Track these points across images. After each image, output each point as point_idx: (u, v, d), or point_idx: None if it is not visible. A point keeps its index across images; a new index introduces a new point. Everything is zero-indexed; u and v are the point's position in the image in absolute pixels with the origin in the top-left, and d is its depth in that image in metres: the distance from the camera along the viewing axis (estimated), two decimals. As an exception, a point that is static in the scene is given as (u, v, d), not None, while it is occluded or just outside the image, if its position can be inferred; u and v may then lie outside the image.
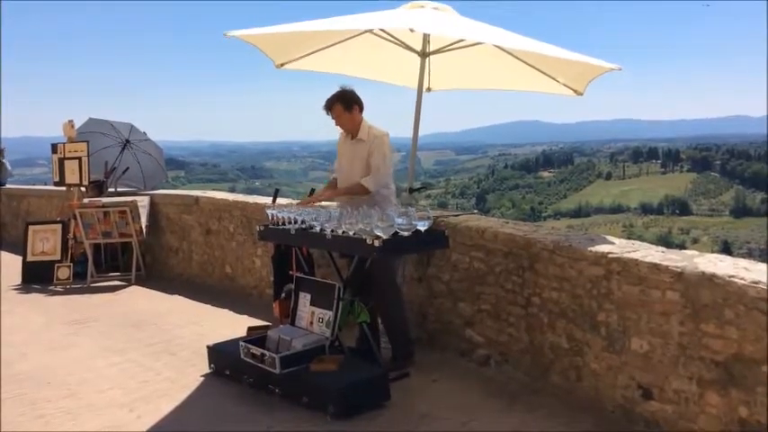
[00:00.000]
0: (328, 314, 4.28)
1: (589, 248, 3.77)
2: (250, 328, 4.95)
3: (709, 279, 3.16)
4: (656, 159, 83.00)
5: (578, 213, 70.85)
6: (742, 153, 78.12)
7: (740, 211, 67.94)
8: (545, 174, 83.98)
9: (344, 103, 4.58)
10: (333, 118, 4.65)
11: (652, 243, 3.86)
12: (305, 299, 4.52)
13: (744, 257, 3.43)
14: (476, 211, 6.87)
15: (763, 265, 3.18)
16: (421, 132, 5.60)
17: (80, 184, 8.32)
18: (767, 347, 2.95)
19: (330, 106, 4.60)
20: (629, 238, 4.12)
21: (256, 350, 4.20)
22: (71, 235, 7.98)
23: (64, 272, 7.69)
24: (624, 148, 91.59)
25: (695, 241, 57.77)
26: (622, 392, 3.59)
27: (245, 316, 5.86)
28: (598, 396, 3.73)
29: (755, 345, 2.99)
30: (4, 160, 11.61)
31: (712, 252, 3.59)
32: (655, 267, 3.40)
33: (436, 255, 4.76)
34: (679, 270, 3.29)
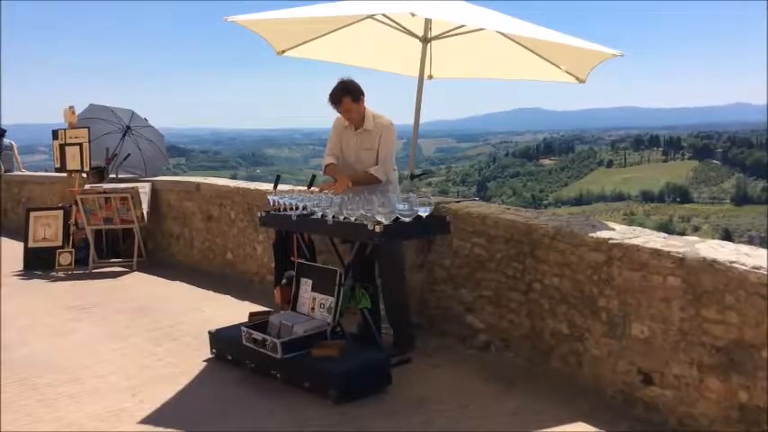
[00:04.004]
0: (330, 300, 4.28)
1: (590, 234, 3.77)
2: (251, 314, 4.95)
3: (711, 265, 3.16)
4: (658, 147, 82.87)
5: (579, 201, 70.80)
6: (743, 141, 78.00)
7: (741, 199, 67.90)
8: (546, 161, 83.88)
9: (352, 95, 4.54)
10: (341, 111, 4.60)
11: (653, 231, 3.85)
12: (306, 285, 4.52)
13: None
14: (477, 198, 6.88)
15: (764, 251, 3.18)
16: (422, 120, 5.59)
17: (81, 171, 8.31)
18: (767, 333, 2.96)
19: (338, 100, 4.54)
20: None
21: (258, 335, 4.21)
22: (72, 221, 7.98)
23: (65, 258, 7.69)
24: (625, 136, 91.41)
25: (696, 229, 57.77)
26: (623, 377, 3.60)
27: (247, 302, 5.87)
28: (598, 381, 3.74)
29: (756, 330, 3.00)
30: (11, 147, 11.51)
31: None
32: (656, 253, 3.40)
33: (437, 241, 4.76)
34: (680, 256, 3.29)
